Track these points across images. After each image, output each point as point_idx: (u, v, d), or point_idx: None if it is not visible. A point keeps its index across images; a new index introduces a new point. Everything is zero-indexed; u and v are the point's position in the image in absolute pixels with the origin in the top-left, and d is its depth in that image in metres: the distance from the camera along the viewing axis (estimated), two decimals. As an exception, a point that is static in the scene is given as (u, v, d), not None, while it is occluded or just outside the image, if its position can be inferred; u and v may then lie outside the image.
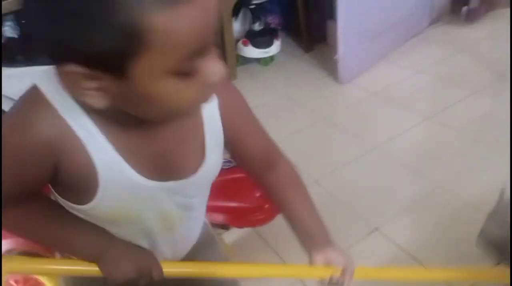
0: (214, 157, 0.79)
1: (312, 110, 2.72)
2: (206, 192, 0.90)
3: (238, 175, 1.67)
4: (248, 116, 0.85)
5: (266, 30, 3.19)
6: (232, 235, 1.91)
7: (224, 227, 1.77)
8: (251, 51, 3.09)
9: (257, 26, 3.13)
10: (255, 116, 0.86)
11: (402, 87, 2.79)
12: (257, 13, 3.12)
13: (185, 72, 0.55)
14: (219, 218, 1.58)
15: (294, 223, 0.88)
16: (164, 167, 0.73)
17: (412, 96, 2.70)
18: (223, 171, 1.64)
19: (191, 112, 0.69)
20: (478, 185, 2.01)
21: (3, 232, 0.73)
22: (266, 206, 1.64)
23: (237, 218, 1.61)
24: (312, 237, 0.87)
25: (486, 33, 3.20)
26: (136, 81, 0.54)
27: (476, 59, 2.95)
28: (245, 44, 3.09)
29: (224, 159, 1.74)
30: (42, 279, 1.61)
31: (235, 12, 3.19)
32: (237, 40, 3.15)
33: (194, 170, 0.76)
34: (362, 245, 1.80)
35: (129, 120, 0.63)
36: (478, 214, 1.85)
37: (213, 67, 0.57)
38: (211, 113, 0.75)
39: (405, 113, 2.57)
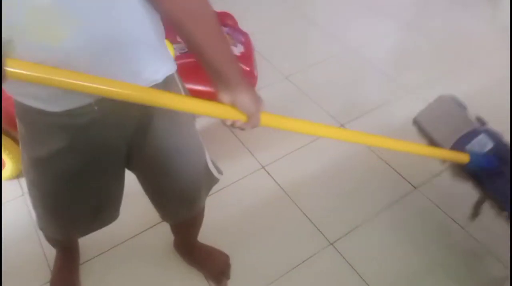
0: None
1: (292, 5, 2.58)
2: None
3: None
4: None
5: None
6: (199, 124, 1.89)
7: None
8: None
9: None
10: None
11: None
12: None
13: None
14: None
15: (201, 58, 0.75)
16: None
17: (394, 3, 2.60)
18: (183, 55, 1.58)
19: None
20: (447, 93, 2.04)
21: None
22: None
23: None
24: (220, 75, 0.76)
25: None
26: None
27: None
28: None
29: (179, 43, 1.66)
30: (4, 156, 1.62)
31: None
32: None
33: None
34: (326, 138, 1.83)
35: None
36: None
37: None
38: None
39: (385, 19, 2.49)
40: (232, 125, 0.82)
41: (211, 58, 0.74)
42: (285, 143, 1.80)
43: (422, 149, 1.22)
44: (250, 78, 1.64)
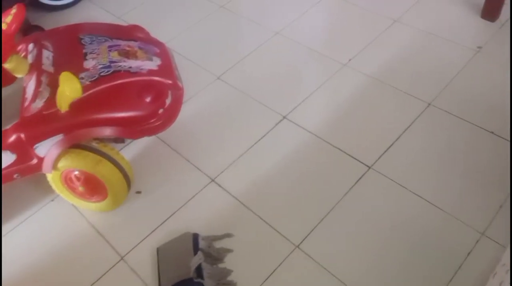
0: None
1: (206, -1, 2.44)
2: None
3: (121, 81, 1.43)
4: None
5: None
6: (134, 148, 1.74)
7: (118, 140, 1.58)
8: None
9: None
10: None
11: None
12: None
13: None
14: (107, 132, 1.37)
15: None
16: None
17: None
18: (102, 78, 1.42)
19: None
20: (381, 58, 1.99)
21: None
22: (161, 110, 1.45)
23: (130, 129, 1.40)
24: None
25: None
26: None
27: None
28: None
29: (101, 64, 1.50)
30: (103, 179, 1.41)
31: None
32: None
33: None
34: (272, 133, 1.73)
35: None
36: (385, 87, 1.87)
37: None
38: None
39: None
40: None
41: None
42: (229, 151, 1.69)
43: None
44: (175, 91, 1.50)
